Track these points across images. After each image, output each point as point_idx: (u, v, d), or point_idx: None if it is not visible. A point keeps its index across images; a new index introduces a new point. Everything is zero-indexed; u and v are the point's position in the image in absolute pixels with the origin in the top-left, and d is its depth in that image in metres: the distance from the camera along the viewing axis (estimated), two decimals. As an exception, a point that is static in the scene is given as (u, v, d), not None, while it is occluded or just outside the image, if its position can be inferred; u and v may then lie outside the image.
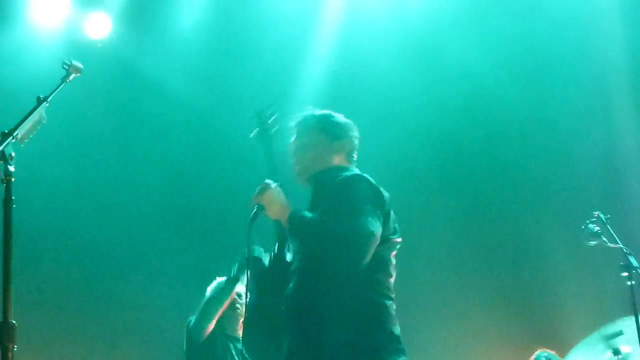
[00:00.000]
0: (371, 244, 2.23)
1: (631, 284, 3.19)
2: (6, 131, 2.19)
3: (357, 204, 2.29)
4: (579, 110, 5.16)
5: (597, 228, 3.28)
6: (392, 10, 4.97)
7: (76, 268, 4.78)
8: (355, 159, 2.65)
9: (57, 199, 4.62)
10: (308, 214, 2.39)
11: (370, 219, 2.26)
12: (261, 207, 2.43)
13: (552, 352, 4.43)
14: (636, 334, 3.19)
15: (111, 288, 4.80)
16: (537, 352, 4.51)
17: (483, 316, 5.15)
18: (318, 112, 2.67)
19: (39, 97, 2.25)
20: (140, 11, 4.86)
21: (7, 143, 2.16)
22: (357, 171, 2.53)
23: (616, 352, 3.65)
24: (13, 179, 2.16)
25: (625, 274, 3.21)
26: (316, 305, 2.33)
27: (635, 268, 3.16)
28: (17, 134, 2.20)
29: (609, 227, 3.26)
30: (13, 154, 2.17)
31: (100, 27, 4.71)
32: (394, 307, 2.40)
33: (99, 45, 4.62)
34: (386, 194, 2.44)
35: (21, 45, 4.39)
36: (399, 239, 2.47)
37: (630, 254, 3.21)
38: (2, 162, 2.17)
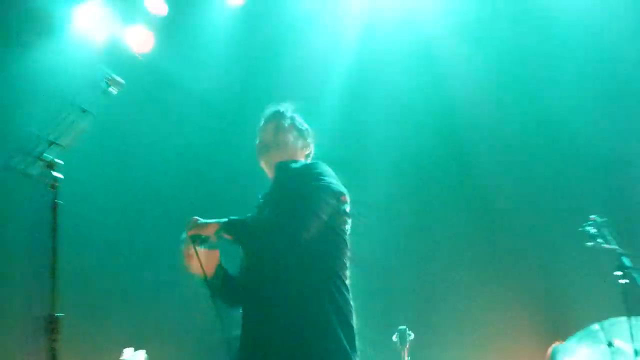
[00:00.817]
0: (325, 205, 2.38)
1: (624, 283, 3.42)
2: (51, 140, 2.40)
3: (315, 175, 2.47)
4: (586, 112, 5.31)
5: (594, 230, 3.51)
6: (407, 16, 5.18)
7: (118, 261, 4.96)
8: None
9: (98, 199, 4.79)
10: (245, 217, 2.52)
11: (329, 185, 2.43)
12: (198, 237, 2.45)
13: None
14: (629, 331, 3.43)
15: (151, 279, 4.96)
16: (553, 345, 4.73)
17: (492, 310, 5.33)
18: (288, 111, 2.81)
19: (81, 107, 2.44)
20: (171, 17, 5.03)
21: (51, 151, 2.38)
22: None
23: (610, 344, 3.92)
24: (58, 184, 2.37)
25: (619, 273, 3.45)
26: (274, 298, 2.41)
27: (628, 268, 3.38)
28: (61, 142, 2.40)
29: (605, 229, 3.48)
30: (58, 160, 2.37)
31: (141, 40, 4.91)
32: (350, 296, 2.47)
33: (140, 58, 4.77)
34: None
35: (66, 56, 4.50)
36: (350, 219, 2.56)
37: (623, 255, 3.43)
38: (48, 169, 2.39)
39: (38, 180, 2.35)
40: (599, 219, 3.44)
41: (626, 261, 3.41)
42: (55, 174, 2.34)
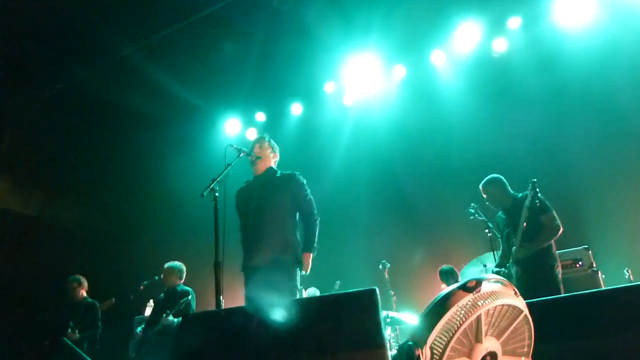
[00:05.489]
0: None
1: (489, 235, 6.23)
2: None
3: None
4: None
5: (473, 210, 6.28)
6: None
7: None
8: None
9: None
10: None
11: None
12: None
13: (451, 266, 7.34)
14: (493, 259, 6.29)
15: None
16: (441, 267, 7.35)
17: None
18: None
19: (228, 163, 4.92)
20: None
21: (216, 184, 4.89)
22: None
23: (484, 265, 6.79)
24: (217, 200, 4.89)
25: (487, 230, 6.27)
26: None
27: (488, 226, 6.22)
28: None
29: (479, 209, 6.26)
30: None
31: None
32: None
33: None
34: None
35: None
36: None
37: (488, 222, 6.27)
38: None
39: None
40: (475, 205, 6.25)
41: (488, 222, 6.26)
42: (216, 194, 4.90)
